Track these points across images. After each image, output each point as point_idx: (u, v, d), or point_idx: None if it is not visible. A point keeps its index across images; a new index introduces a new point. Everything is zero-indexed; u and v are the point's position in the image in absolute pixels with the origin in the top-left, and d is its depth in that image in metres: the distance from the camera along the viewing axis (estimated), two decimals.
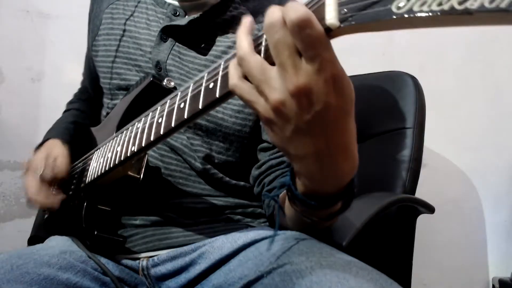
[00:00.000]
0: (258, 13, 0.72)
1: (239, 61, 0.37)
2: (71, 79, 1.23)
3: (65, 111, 0.94)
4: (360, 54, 1.35)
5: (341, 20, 0.31)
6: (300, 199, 0.45)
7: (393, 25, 0.28)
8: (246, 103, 0.38)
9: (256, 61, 0.36)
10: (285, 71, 0.34)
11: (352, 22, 0.30)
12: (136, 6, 0.76)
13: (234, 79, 0.38)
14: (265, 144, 0.70)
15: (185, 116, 0.45)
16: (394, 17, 0.27)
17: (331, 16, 0.31)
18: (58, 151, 0.72)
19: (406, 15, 0.27)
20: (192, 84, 0.46)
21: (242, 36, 0.38)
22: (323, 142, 0.37)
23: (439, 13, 0.26)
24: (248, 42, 0.37)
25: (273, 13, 0.34)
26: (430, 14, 0.26)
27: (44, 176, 0.68)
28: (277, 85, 0.35)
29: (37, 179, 0.68)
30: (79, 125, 0.86)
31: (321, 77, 0.33)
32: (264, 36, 0.36)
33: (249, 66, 0.36)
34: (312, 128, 0.36)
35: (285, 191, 0.49)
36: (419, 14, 0.26)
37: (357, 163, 0.41)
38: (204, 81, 0.44)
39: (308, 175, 0.42)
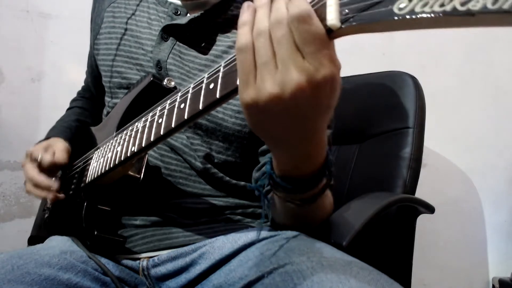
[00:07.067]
0: None
1: (272, 24, 0.34)
2: (71, 79, 1.24)
3: (68, 109, 0.95)
4: (360, 54, 1.35)
5: (342, 21, 0.31)
6: (279, 184, 0.47)
7: (395, 26, 0.28)
8: (239, 75, 0.37)
9: (283, 34, 0.34)
10: (286, 67, 0.34)
11: (353, 23, 0.30)
12: (137, 5, 0.76)
13: (249, 38, 0.36)
14: (265, 147, 0.70)
15: (185, 117, 0.45)
16: (396, 18, 0.27)
17: (332, 17, 0.31)
18: (59, 145, 0.73)
19: (407, 16, 0.27)
20: (192, 85, 0.46)
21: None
22: (298, 130, 0.39)
23: (441, 14, 0.25)
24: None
25: (278, 9, 0.34)
26: (432, 15, 0.26)
27: (44, 161, 0.69)
28: (278, 77, 0.34)
29: (36, 164, 0.70)
30: (82, 123, 0.86)
31: (319, 76, 0.33)
32: None
33: (277, 36, 0.34)
34: (292, 120, 0.37)
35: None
36: (420, 15, 0.26)
37: (325, 146, 0.44)
38: (205, 81, 0.44)
39: (282, 159, 0.45)
